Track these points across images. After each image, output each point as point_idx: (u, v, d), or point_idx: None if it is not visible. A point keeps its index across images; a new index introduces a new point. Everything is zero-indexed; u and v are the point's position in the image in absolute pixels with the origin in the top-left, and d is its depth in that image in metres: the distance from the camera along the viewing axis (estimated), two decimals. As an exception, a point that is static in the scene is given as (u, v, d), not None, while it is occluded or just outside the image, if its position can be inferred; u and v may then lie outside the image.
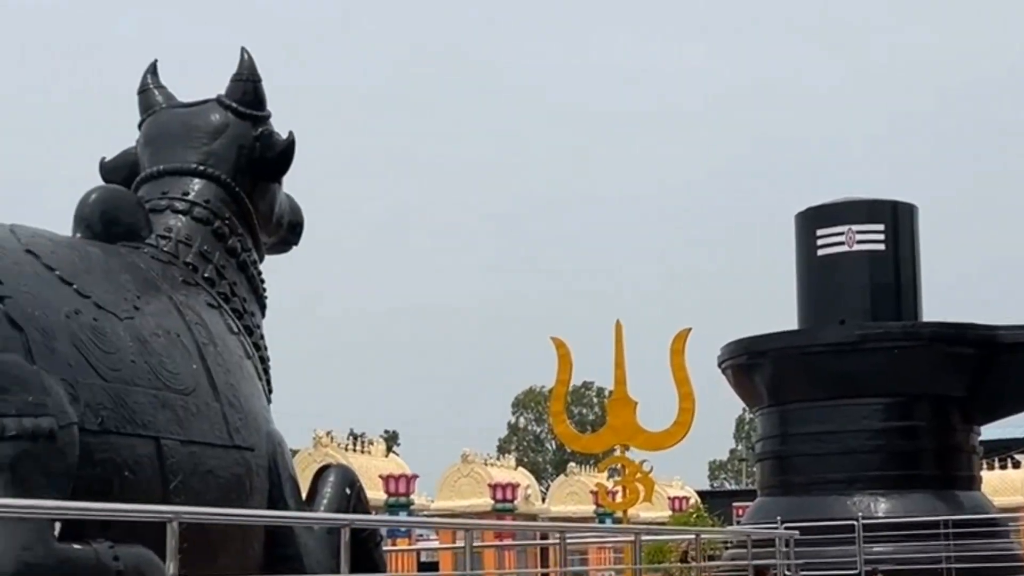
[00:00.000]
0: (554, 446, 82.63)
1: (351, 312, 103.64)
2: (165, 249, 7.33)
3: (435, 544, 28.39)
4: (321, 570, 6.93)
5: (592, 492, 39.15)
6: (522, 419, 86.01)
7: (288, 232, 8.42)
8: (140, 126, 8.05)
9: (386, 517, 21.80)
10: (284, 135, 8.03)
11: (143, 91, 8.10)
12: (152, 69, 8.18)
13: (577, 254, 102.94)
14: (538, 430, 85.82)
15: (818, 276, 22.00)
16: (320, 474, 7.53)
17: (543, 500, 42.30)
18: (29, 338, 5.59)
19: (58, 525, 5.36)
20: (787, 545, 13.93)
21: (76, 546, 5.41)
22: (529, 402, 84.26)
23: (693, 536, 13.93)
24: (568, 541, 10.38)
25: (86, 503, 5.41)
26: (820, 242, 21.85)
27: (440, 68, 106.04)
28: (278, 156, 7.96)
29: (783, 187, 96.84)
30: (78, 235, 7.05)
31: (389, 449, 39.44)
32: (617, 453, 18.22)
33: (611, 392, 18.85)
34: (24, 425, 5.32)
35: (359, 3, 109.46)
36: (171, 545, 5.36)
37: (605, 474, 31.14)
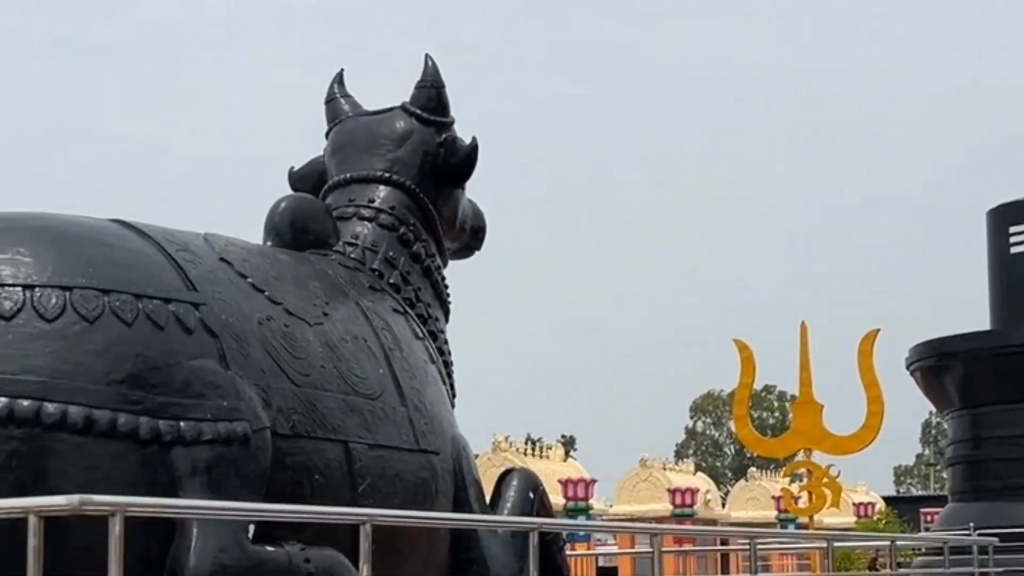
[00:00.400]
0: (733, 451, 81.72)
1: (529, 317, 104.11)
2: (352, 256, 7.41)
3: (613, 549, 28.30)
4: (506, 573, 6.92)
5: (774, 497, 38.57)
6: (700, 423, 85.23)
7: (471, 237, 8.44)
8: (327, 135, 8.17)
9: (573, 521, 21.80)
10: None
11: (330, 101, 8.21)
12: (339, 79, 8.28)
13: (760, 254, 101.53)
14: (716, 434, 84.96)
15: (1011, 274, 21.23)
16: (503, 478, 7.51)
17: (723, 506, 41.86)
18: (224, 344, 5.70)
19: (252, 527, 5.44)
20: (985, 552, 13.48)
21: (269, 548, 5.48)
22: (707, 406, 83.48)
23: (886, 543, 13.58)
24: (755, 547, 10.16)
25: (280, 505, 5.49)
26: (1013, 239, 21.10)
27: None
28: (462, 162, 7.98)
29: (974, 183, 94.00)
30: (269, 243, 7.18)
31: (567, 454, 39.51)
32: (800, 457, 17.88)
33: (793, 396, 18.52)
34: (219, 429, 5.42)
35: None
36: (364, 548, 5.40)
37: (787, 479, 30.63)
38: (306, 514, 5.57)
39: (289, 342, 6.09)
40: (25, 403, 5.08)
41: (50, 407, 5.10)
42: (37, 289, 5.33)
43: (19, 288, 5.32)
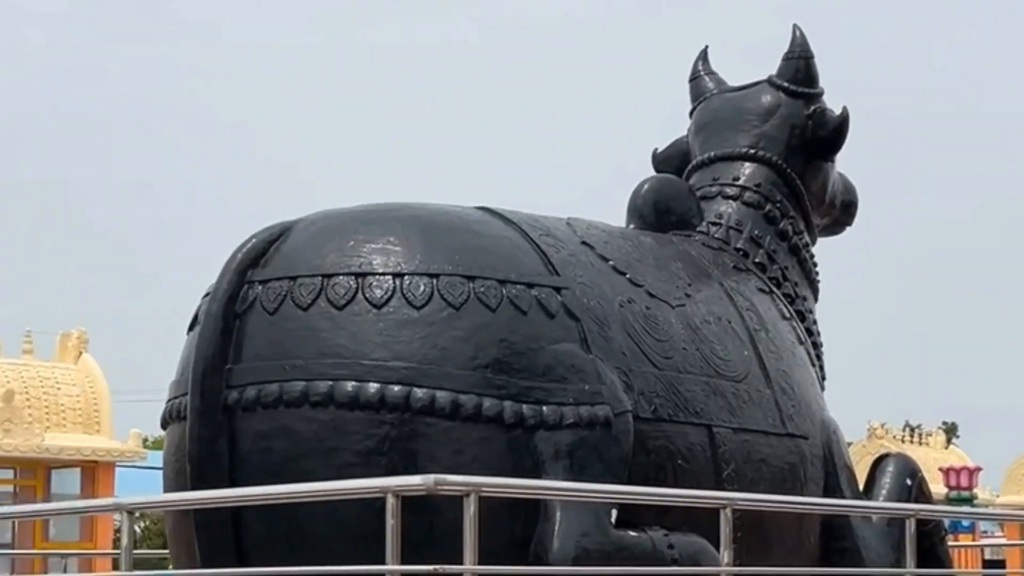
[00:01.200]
0: None
1: (906, 295, 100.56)
2: (716, 236, 7.29)
3: (1001, 540, 26.93)
4: (881, 564, 6.65)
5: None
6: (1100, 407, 79.99)
7: (842, 213, 8.13)
8: (691, 114, 8.07)
9: (953, 508, 20.88)
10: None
11: (694, 78, 8.11)
12: (703, 56, 8.17)
13: None
14: (1119, 419, 79.55)
15: None
16: (878, 463, 7.23)
17: None
18: (585, 328, 5.70)
19: (615, 512, 5.42)
20: None
21: (632, 533, 5.45)
22: (1106, 389, 78.19)
23: None
24: None
25: (641, 488, 5.44)
26: None
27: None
28: (831, 134, 7.71)
29: None
30: (632, 225, 7.14)
31: (948, 441, 37.99)
32: None
33: None
34: (581, 413, 5.42)
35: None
36: (724, 533, 5.28)
37: None
38: (662, 497, 5.49)
39: (650, 324, 6.05)
40: (396, 388, 5.26)
41: (419, 392, 5.26)
42: (406, 277, 5.48)
43: (389, 276, 5.49)
